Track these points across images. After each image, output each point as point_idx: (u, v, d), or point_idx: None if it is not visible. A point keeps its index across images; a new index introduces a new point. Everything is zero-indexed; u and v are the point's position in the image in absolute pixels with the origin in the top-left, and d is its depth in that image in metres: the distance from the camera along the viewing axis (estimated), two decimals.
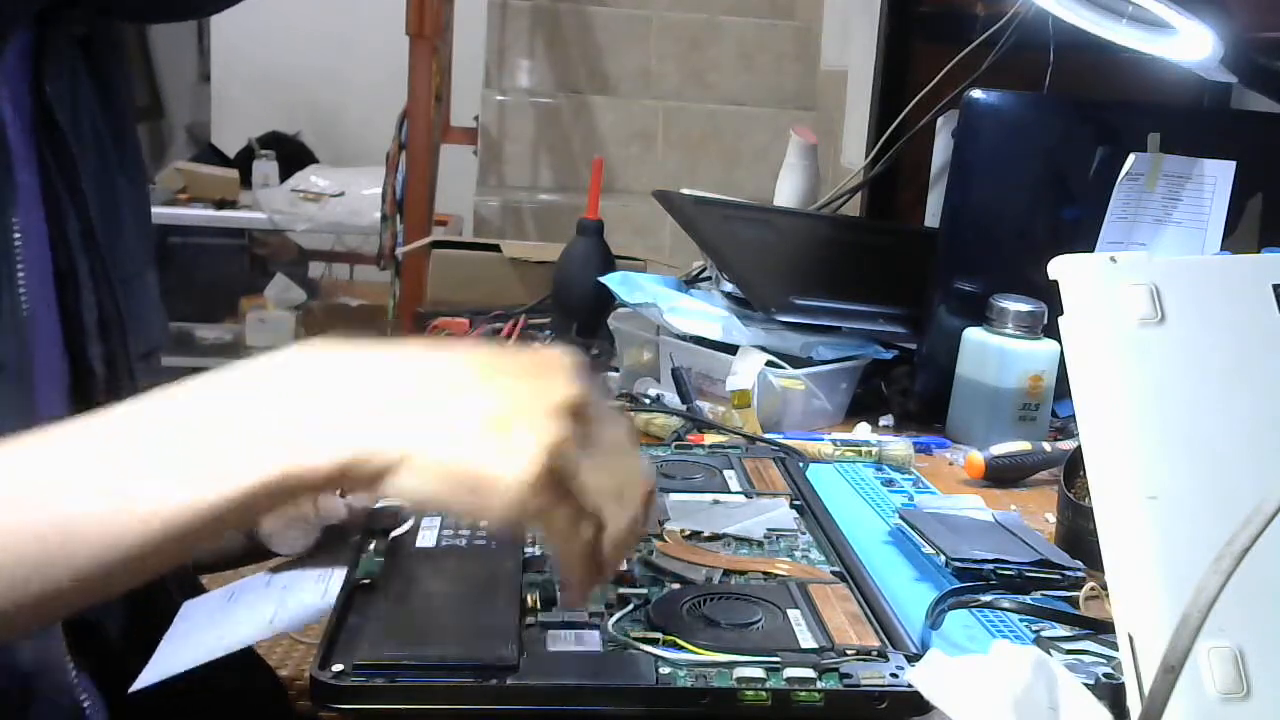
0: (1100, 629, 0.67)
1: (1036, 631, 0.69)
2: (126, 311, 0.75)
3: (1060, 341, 0.57)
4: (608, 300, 1.25)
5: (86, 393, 0.73)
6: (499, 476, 0.50)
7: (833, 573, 0.71)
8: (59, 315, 0.72)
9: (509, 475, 0.50)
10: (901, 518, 0.84)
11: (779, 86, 3.34)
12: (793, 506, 0.82)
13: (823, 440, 1.03)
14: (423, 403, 0.52)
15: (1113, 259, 0.57)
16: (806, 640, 0.61)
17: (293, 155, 3.66)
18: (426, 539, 0.71)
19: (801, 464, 0.92)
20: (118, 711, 0.71)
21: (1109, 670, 0.62)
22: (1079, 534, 0.81)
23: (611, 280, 1.22)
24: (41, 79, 0.70)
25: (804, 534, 0.77)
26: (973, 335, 1.10)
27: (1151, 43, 1.08)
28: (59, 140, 0.71)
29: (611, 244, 1.36)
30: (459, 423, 0.51)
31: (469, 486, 0.51)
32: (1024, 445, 1.01)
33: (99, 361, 0.73)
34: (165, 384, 0.76)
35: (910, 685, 0.55)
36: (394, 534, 0.71)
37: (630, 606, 0.64)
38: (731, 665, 0.57)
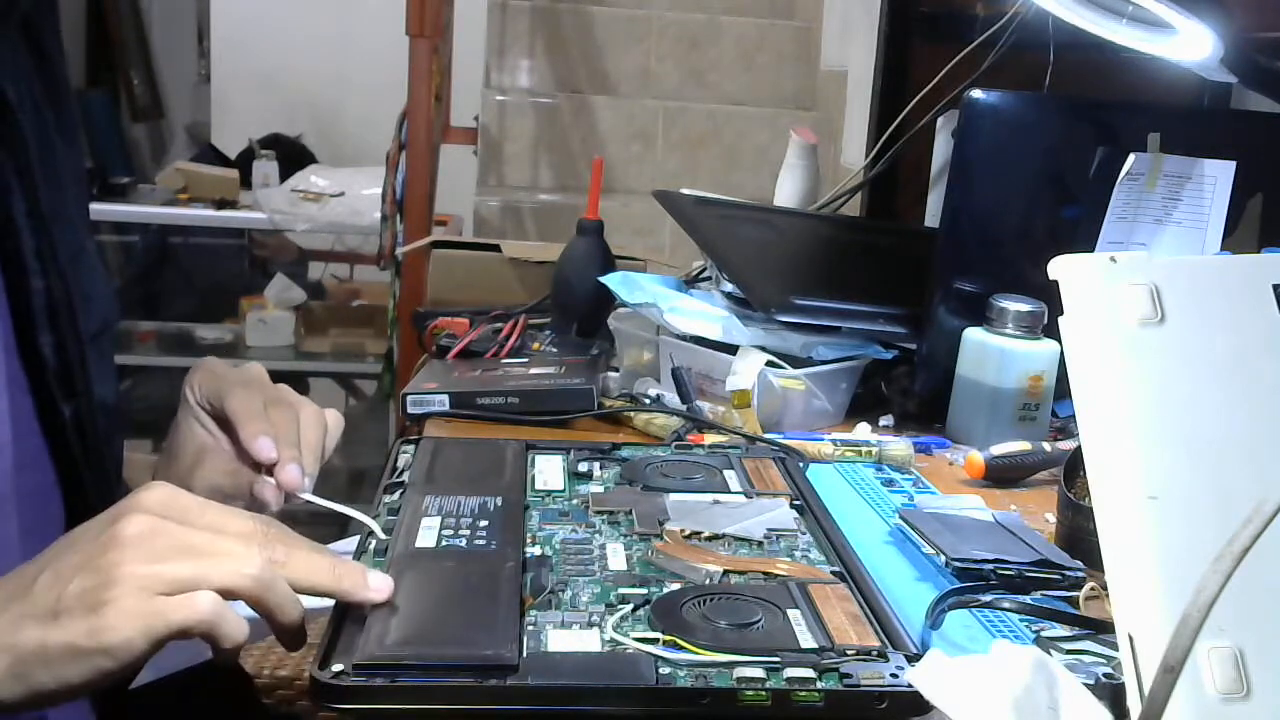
0: (1100, 629, 0.67)
1: (1036, 631, 0.69)
2: (74, 291, 0.74)
3: (1060, 341, 0.57)
4: (608, 300, 1.25)
5: (39, 381, 0.73)
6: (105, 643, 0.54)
7: (833, 573, 0.71)
8: (7, 303, 0.72)
9: (105, 632, 0.53)
10: (901, 518, 0.84)
11: (779, 86, 3.34)
12: (793, 506, 0.82)
13: (823, 440, 1.03)
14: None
15: (1113, 259, 0.57)
16: (806, 640, 0.61)
17: (293, 156, 3.66)
18: (426, 539, 0.71)
19: (801, 464, 0.92)
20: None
21: (1109, 670, 0.62)
22: (1079, 534, 0.81)
23: (611, 280, 1.22)
24: None
25: (804, 534, 0.77)
26: (973, 335, 1.10)
27: (1151, 43, 1.08)
28: (10, 124, 0.70)
29: (611, 244, 1.36)
30: (40, 612, 0.55)
31: (81, 655, 0.54)
32: (1024, 445, 1.01)
33: (49, 349, 0.73)
34: (115, 366, 0.76)
35: (910, 685, 0.55)
36: None
37: (630, 606, 0.64)
38: (731, 665, 0.57)
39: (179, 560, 0.56)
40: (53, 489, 0.76)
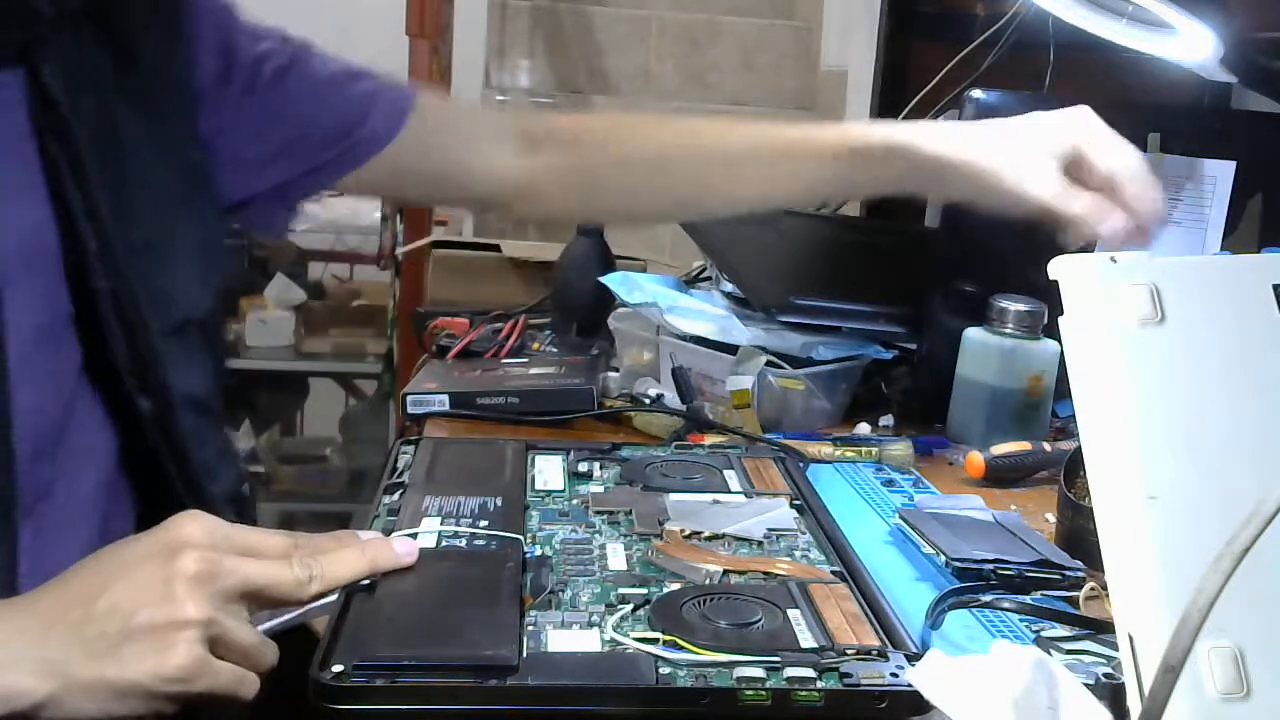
0: (1100, 629, 0.67)
1: (1036, 631, 0.69)
2: (144, 288, 0.75)
3: (1060, 341, 0.57)
4: (608, 300, 1.25)
5: (108, 373, 0.74)
6: (163, 675, 0.55)
7: (833, 573, 0.71)
8: (72, 297, 0.72)
9: (169, 669, 0.55)
10: (901, 518, 0.84)
11: (779, 86, 3.34)
12: (793, 506, 0.82)
13: (823, 440, 1.03)
14: (51, 629, 0.56)
15: (1113, 259, 0.57)
16: (806, 640, 0.61)
17: None
18: (426, 539, 0.71)
19: (801, 464, 0.92)
20: None
21: (1109, 670, 0.62)
22: (1079, 534, 0.81)
23: (611, 280, 1.22)
24: (38, 64, 0.70)
25: (804, 534, 0.77)
26: (973, 335, 1.10)
27: (1151, 43, 1.08)
28: (59, 123, 0.70)
29: (611, 244, 1.36)
30: (95, 642, 0.55)
31: (139, 694, 0.55)
32: (1024, 445, 1.01)
33: (122, 346, 0.73)
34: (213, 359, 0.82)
35: (910, 685, 0.55)
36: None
37: (630, 606, 0.64)
38: (731, 665, 0.57)
39: (240, 607, 0.59)
40: (122, 490, 0.77)
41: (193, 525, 0.59)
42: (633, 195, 1.01)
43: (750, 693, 0.56)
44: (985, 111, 1.10)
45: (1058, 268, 0.58)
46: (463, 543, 0.71)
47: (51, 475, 0.72)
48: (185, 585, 0.56)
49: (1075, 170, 0.88)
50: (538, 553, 0.71)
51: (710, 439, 1.01)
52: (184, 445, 0.77)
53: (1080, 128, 0.89)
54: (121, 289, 0.73)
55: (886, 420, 1.17)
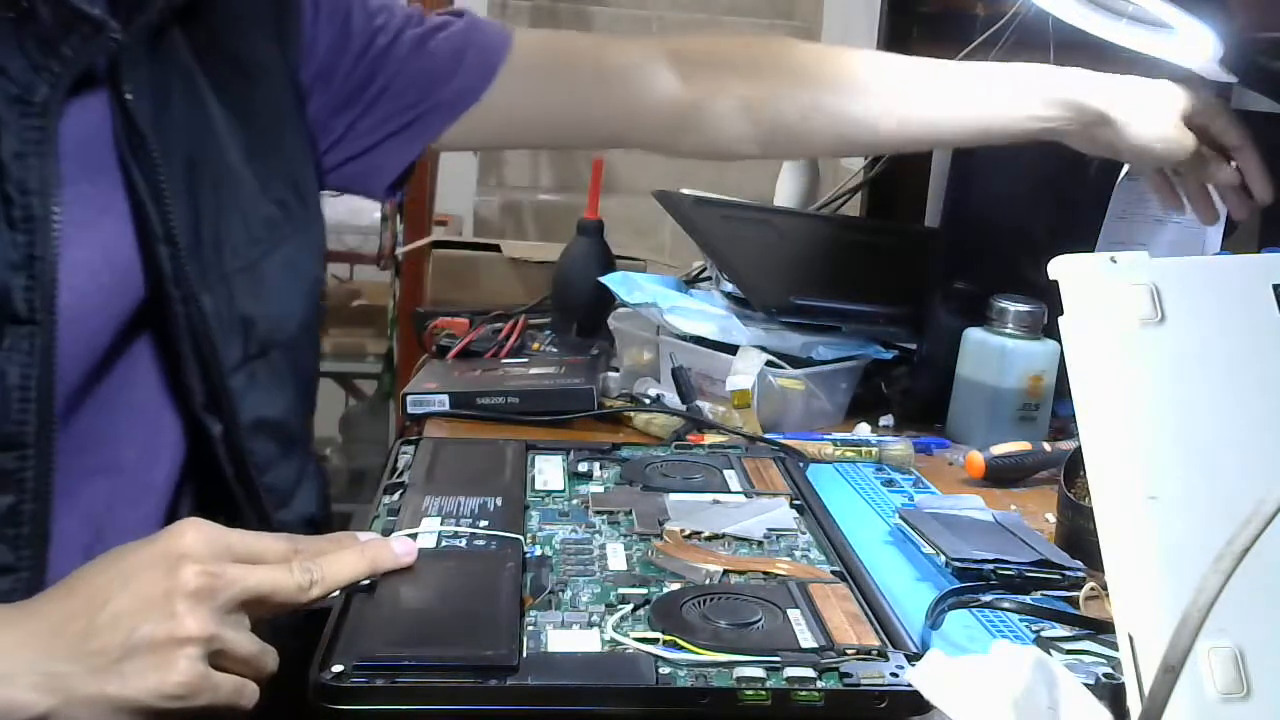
0: (1100, 629, 0.67)
1: (1036, 631, 0.69)
2: (231, 309, 0.74)
3: (1060, 341, 0.57)
4: (608, 300, 1.25)
5: (182, 393, 0.75)
6: (161, 690, 0.54)
7: (833, 573, 0.71)
8: (150, 319, 0.73)
9: (170, 686, 0.54)
10: (901, 518, 0.84)
11: None
12: (793, 506, 0.82)
13: (823, 440, 1.03)
14: (54, 646, 0.55)
15: (1113, 259, 0.57)
16: (806, 640, 0.61)
17: None
18: (426, 539, 0.71)
19: (801, 464, 0.92)
20: None
21: (1109, 670, 0.62)
22: (1079, 534, 0.81)
23: (611, 280, 1.22)
24: (121, 84, 0.69)
25: (804, 534, 0.77)
26: (973, 335, 1.10)
27: (1151, 43, 1.08)
28: (140, 145, 0.70)
29: (611, 244, 1.36)
30: (96, 656, 0.54)
31: (139, 710, 0.54)
32: (1024, 445, 1.01)
33: (195, 370, 0.74)
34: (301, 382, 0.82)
35: (910, 685, 0.55)
36: None
37: (630, 606, 0.64)
38: (731, 665, 0.57)
39: (241, 616, 0.58)
40: (186, 511, 0.77)
41: (193, 534, 0.58)
42: (810, 121, 0.97)
43: (750, 693, 0.56)
44: None
45: (1058, 268, 0.58)
46: (463, 543, 0.71)
47: (110, 490, 0.72)
48: (186, 601, 0.55)
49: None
50: (538, 553, 0.71)
51: (710, 439, 1.01)
52: (250, 469, 0.77)
53: (1194, 95, 0.99)
54: (195, 314, 0.73)
55: (886, 420, 1.17)
